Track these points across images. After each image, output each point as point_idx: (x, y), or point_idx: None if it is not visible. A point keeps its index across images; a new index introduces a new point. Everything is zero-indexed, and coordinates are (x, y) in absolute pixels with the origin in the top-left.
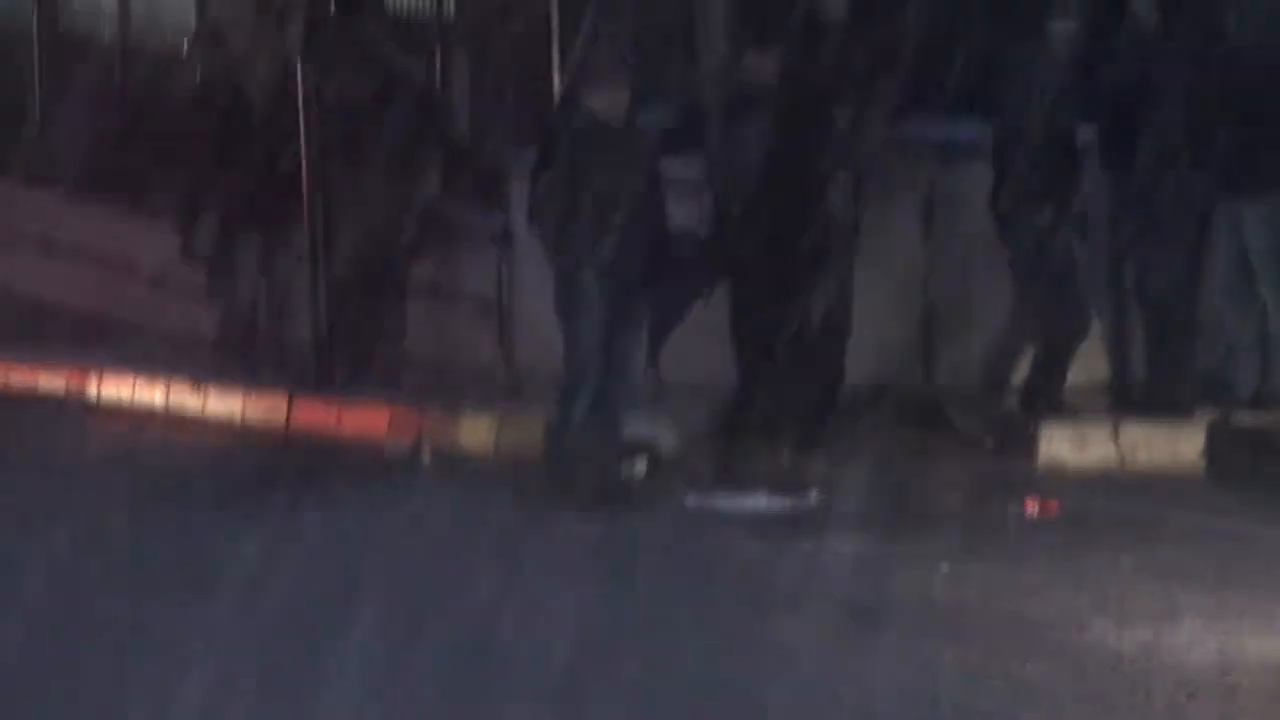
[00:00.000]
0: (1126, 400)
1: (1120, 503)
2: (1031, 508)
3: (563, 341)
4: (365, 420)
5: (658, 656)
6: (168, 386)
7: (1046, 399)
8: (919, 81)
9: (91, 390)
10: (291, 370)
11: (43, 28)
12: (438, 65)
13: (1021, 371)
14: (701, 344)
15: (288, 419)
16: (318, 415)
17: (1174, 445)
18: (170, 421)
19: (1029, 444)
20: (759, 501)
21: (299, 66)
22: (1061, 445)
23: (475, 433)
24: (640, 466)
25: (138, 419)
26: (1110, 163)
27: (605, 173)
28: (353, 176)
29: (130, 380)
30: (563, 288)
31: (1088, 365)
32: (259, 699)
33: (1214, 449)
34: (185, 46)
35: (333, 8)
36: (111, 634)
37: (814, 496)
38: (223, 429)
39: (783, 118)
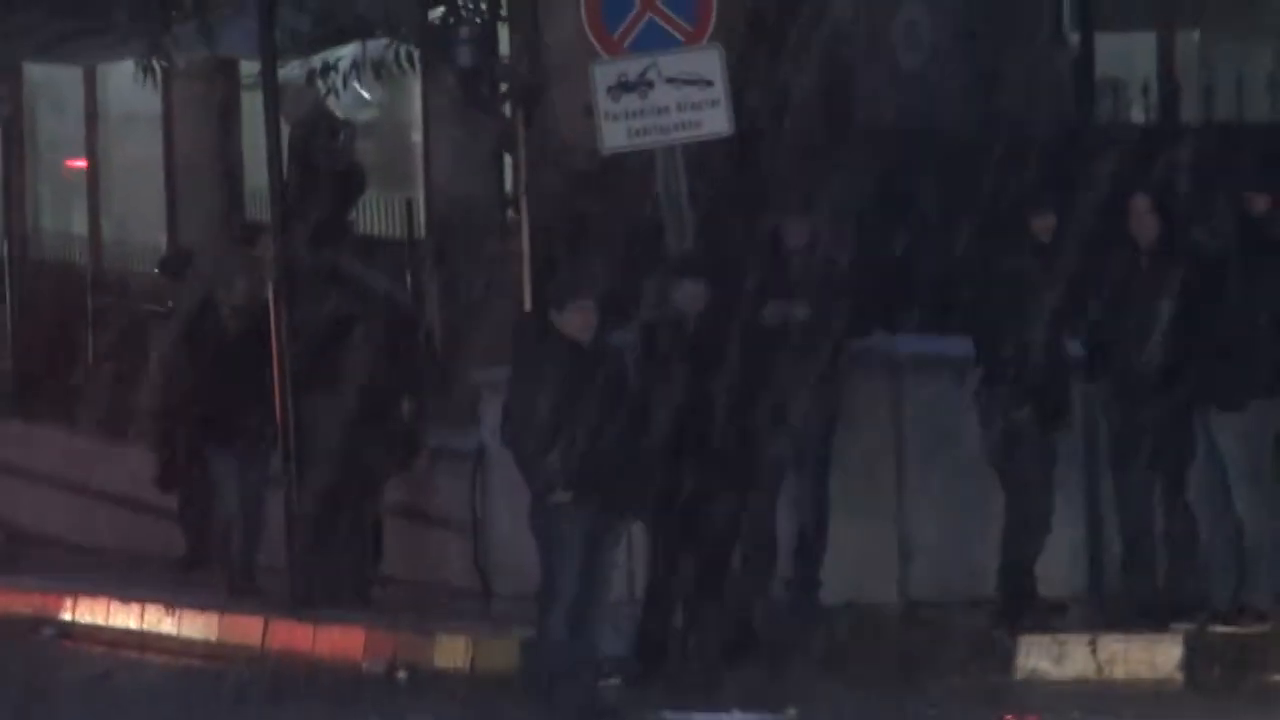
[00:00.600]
0: (1104, 612)
1: (1098, 715)
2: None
3: (540, 561)
4: (340, 640)
5: None
6: (142, 609)
7: (1016, 603)
8: (887, 296)
9: (65, 614)
10: (266, 591)
11: (13, 254)
12: (409, 284)
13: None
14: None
15: (263, 640)
16: (293, 636)
17: (1152, 657)
18: (145, 644)
19: (1006, 657)
20: (734, 717)
21: (271, 289)
22: (1040, 658)
23: (451, 652)
24: (617, 683)
25: (112, 642)
26: (1093, 375)
27: (578, 393)
28: (327, 397)
29: (105, 603)
30: (537, 507)
31: (1066, 577)
32: None
33: (1191, 661)
34: (157, 271)
35: (305, 231)
36: None
37: (791, 713)
38: (197, 650)
39: (748, 339)
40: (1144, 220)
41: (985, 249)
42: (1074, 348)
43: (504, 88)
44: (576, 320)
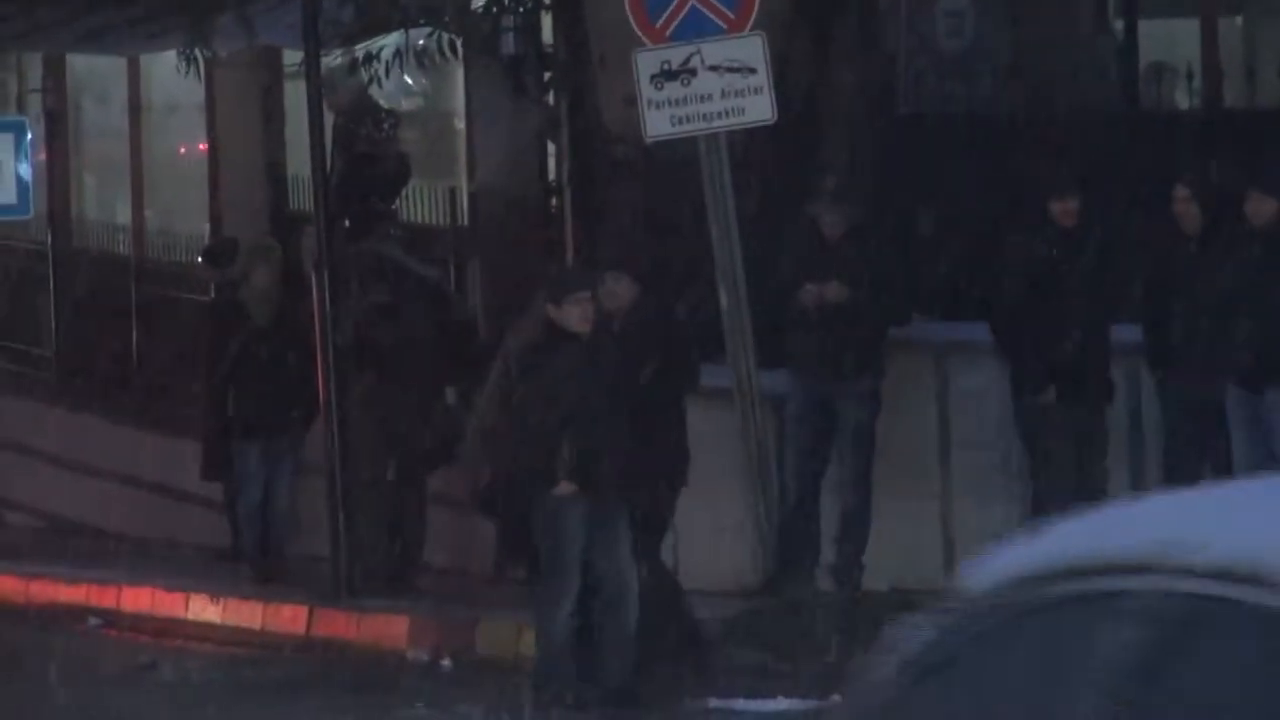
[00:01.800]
0: None
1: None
2: None
3: (544, 555)
4: (384, 628)
5: None
6: (186, 599)
7: None
8: (924, 284)
9: (110, 603)
10: (293, 581)
11: (57, 246)
12: (453, 273)
13: None
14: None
15: (307, 629)
16: (337, 624)
17: None
18: (189, 633)
19: None
20: (779, 704)
21: (315, 277)
22: None
23: (495, 639)
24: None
25: (157, 631)
26: (1153, 359)
27: (580, 386)
28: (372, 385)
29: (149, 593)
30: (540, 501)
31: None
32: None
33: None
34: (200, 261)
35: (348, 219)
36: None
37: (836, 699)
38: (242, 640)
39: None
40: (1187, 208)
41: (1014, 235)
42: (1123, 332)
43: (547, 76)
44: (575, 313)
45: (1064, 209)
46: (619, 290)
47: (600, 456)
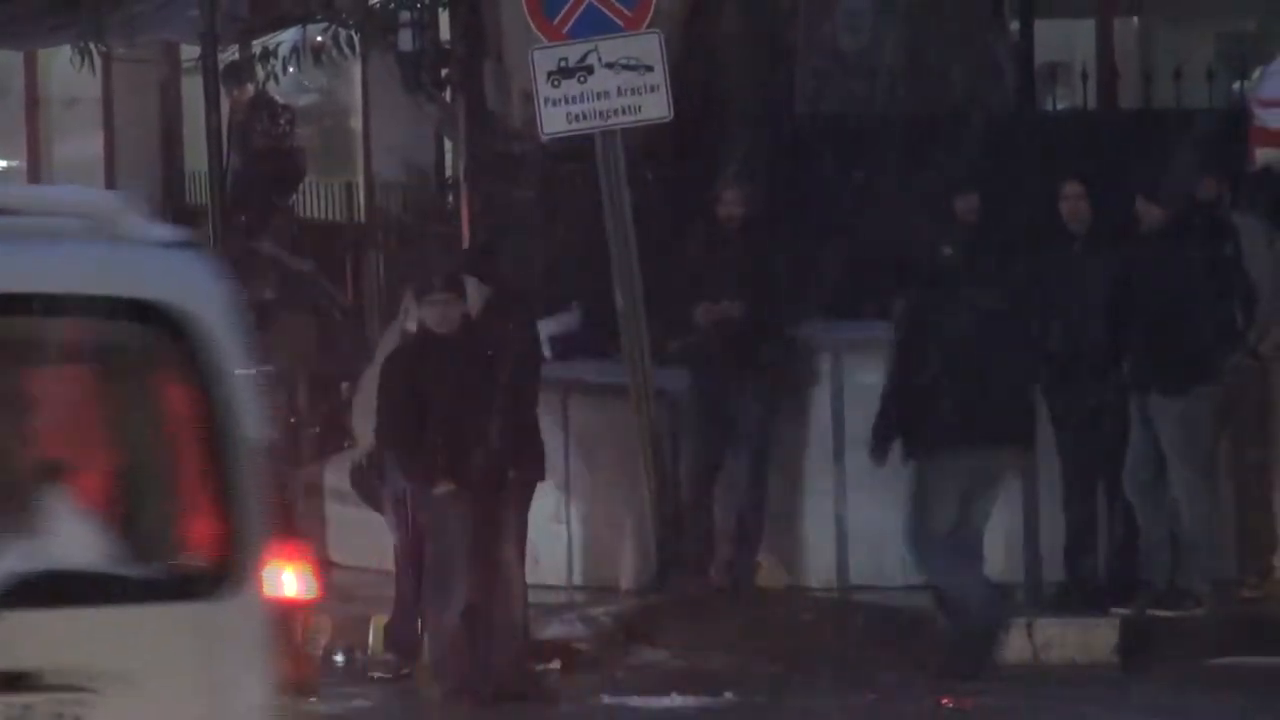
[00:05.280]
0: (1041, 597)
1: (1035, 699)
2: (947, 702)
3: (431, 554)
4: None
5: None
6: None
7: None
8: (819, 281)
9: None
10: None
11: None
12: (349, 269)
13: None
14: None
15: None
16: None
17: (1088, 641)
18: None
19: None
20: (672, 700)
21: None
22: None
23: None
24: (555, 665)
25: None
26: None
27: (446, 385)
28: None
29: None
30: (422, 501)
31: (1003, 562)
32: None
33: (1127, 645)
34: None
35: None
36: None
37: (728, 696)
38: None
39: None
40: (1075, 205)
41: (914, 233)
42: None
43: (444, 72)
44: (432, 314)
45: (966, 206)
46: (471, 293)
47: (471, 454)
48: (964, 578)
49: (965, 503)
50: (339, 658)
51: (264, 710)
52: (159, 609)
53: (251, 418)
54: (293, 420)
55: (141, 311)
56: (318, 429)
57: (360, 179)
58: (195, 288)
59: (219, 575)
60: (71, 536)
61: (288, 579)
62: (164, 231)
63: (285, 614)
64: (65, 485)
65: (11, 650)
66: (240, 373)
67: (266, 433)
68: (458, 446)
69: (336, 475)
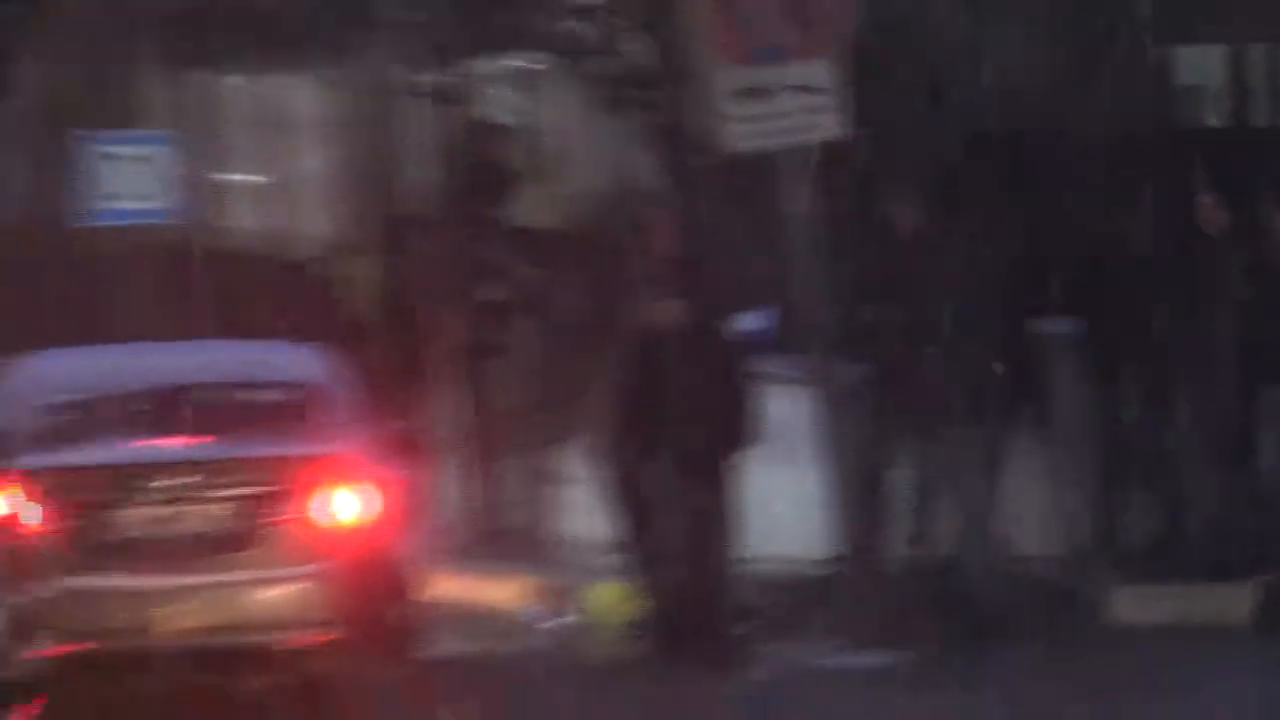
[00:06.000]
0: (1182, 564)
1: (1178, 662)
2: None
3: (650, 526)
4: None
5: None
6: None
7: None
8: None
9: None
10: None
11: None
12: (554, 274)
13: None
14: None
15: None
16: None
17: (1227, 606)
18: None
19: (1091, 606)
20: (867, 658)
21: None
22: (1125, 607)
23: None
24: (752, 627)
25: None
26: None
27: (665, 376)
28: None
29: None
30: (616, 485)
31: (1148, 529)
32: None
33: (1267, 608)
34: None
35: (463, 224)
36: None
37: (920, 651)
38: None
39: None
40: (1212, 214)
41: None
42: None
43: (641, 92)
44: (653, 314)
45: (1210, 210)
46: (679, 296)
47: (687, 436)
48: None
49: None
50: (553, 622)
51: None
52: None
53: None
54: (526, 410)
55: None
56: (549, 417)
57: (563, 190)
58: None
59: None
60: None
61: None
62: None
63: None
64: None
65: None
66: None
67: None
68: (675, 429)
69: (566, 459)
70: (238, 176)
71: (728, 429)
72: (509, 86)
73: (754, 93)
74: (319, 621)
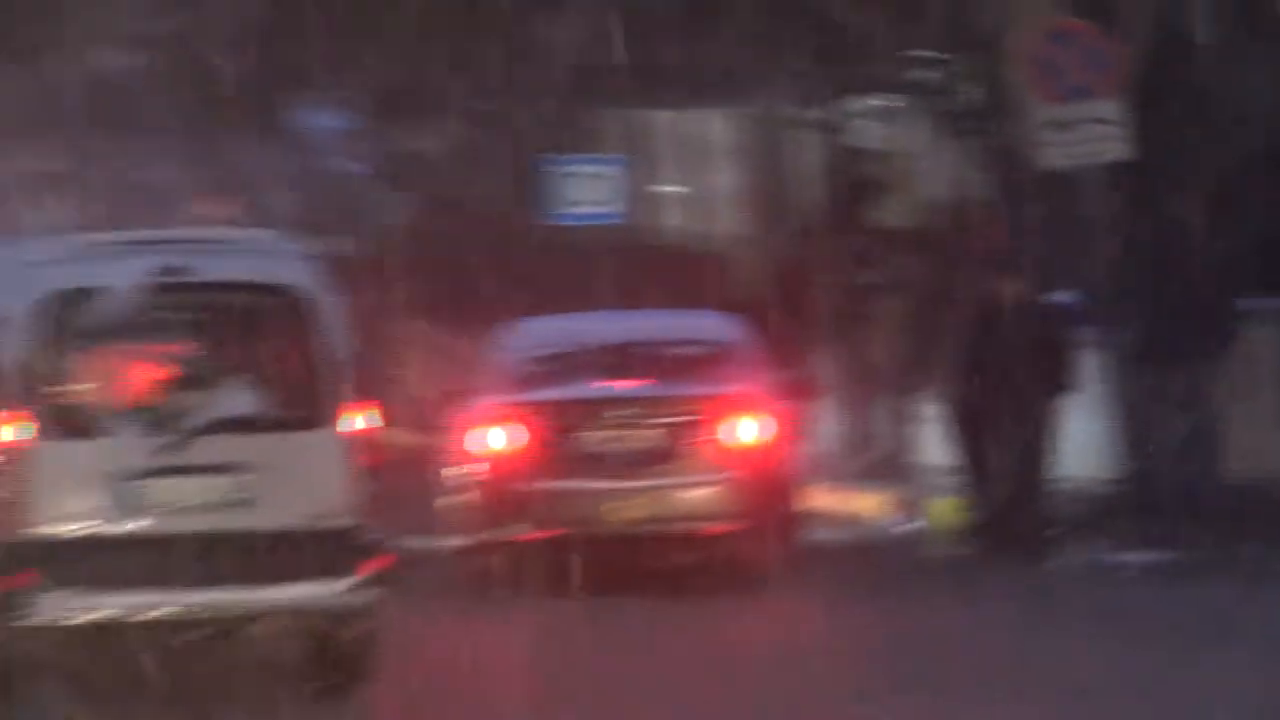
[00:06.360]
0: None
1: None
2: None
3: (960, 456)
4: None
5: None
6: None
7: None
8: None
9: None
10: None
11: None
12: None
13: None
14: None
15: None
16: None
17: None
18: None
19: None
20: (1145, 556)
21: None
22: None
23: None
24: (1058, 532)
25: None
26: None
27: (1001, 335)
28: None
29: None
30: (958, 422)
31: None
32: None
33: None
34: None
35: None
36: None
37: (1187, 551)
38: None
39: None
40: None
41: None
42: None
43: (976, 123)
44: (993, 291)
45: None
46: (1012, 276)
47: (1019, 379)
48: None
49: None
50: (904, 526)
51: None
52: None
53: (336, 339)
54: (890, 364)
55: (281, 288)
56: (907, 369)
57: (916, 198)
58: (302, 274)
59: (315, 417)
60: (243, 398)
61: (357, 420)
62: (291, 246)
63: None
64: (244, 376)
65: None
66: (332, 324)
67: (347, 347)
68: (1007, 379)
69: (920, 401)
70: (668, 188)
71: (1047, 379)
72: (874, 120)
73: (1062, 124)
74: (727, 515)
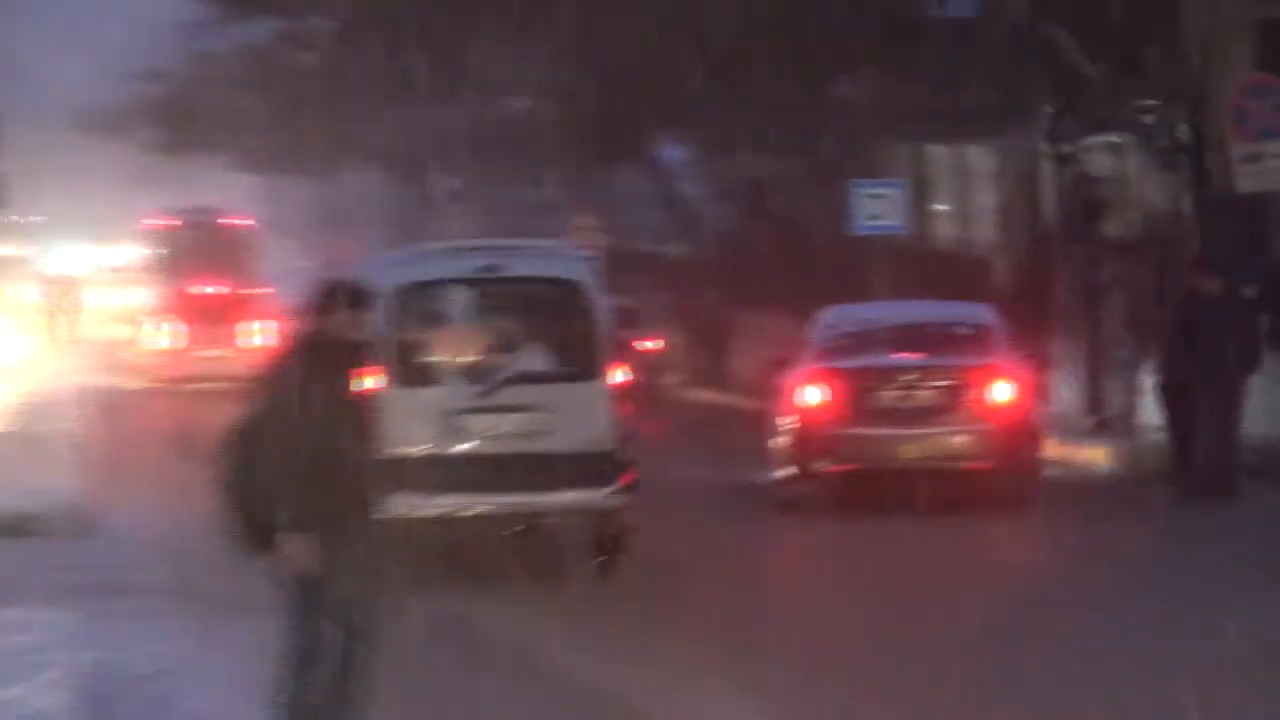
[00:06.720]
0: None
1: None
2: None
3: (1168, 415)
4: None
5: None
6: None
7: None
8: None
9: None
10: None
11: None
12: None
13: None
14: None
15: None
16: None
17: None
18: None
19: None
20: None
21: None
22: None
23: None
24: (1246, 477)
25: None
26: None
27: (1202, 318)
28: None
29: None
30: (1168, 389)
31: None
32: None
33: None
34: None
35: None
36: None
37: None
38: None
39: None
40: None
41: None
42: None
43: (1186, 157)
44: (1198, 285)
45: None
46: (1213, 284)
47: (1215, 355)
48: None
49: None
50: (1119, 470)
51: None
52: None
53: (603, 318)
54: (1113, 343)
55: (568, 282)
56: (1128, 348)
57: (1136, 215)
58: (580, 271)
59: (587, 372)
60: (537, 358)
61: (616, 375)
62: (577, 250)
63: (618, 389)
64: (538, 343)
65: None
66: (600, 308)
67: (609, 325)
68: (1209, 355)
69: (1137, 372)
70: (940, 206)
71: (1242, 354)
72: (1103, 152)
73: (1254, 157)
74: (986, 456)
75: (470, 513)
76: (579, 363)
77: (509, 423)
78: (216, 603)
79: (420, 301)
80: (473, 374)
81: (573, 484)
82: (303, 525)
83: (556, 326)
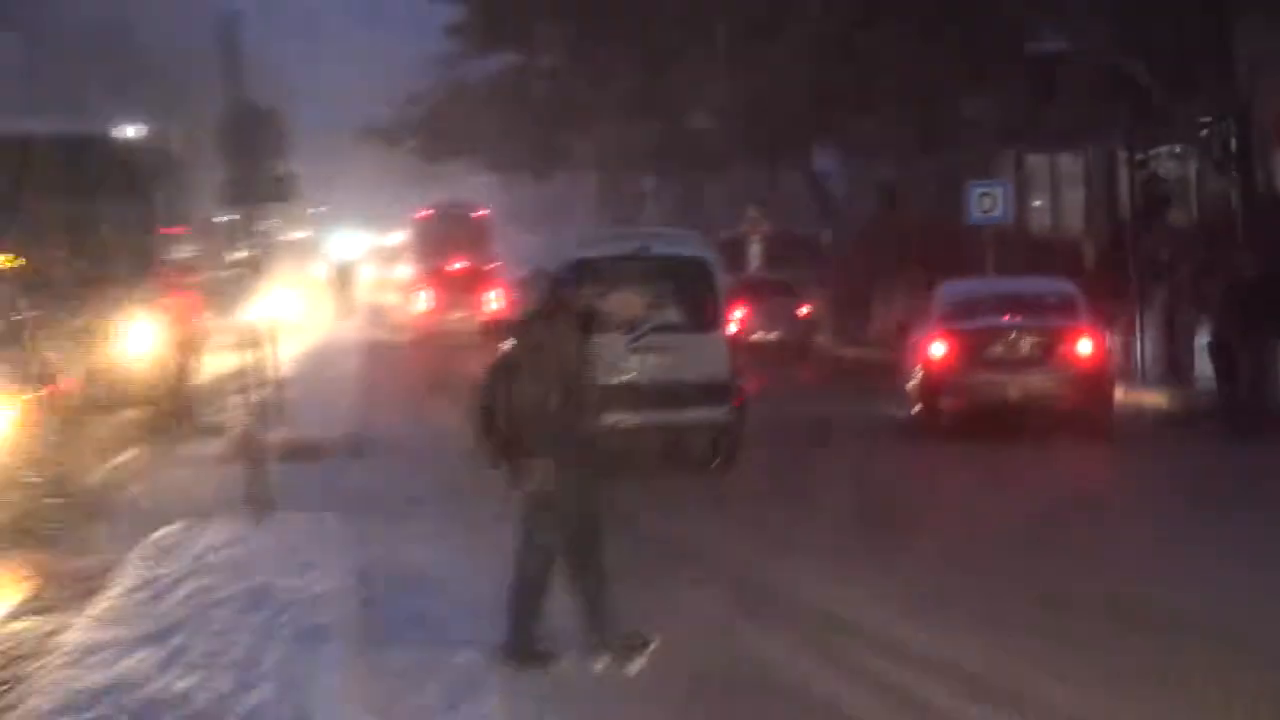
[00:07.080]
0: None
1: None
2: None
3: (1218, 368)
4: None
5: None
6: None
7: None
8: None
9: None
10: None
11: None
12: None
13: None
14: None
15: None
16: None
17: None
18: None
19: None
20: None
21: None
22: None
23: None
24: None
25: None
26: None
27: (1256, 299)
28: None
29: None
30: (1217, 347)
31: None
32: None
33: None
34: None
35: (1147, 227)
36: None
37: None
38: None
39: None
40: None
41: None
42: None
43: (1235, 160)
44: (1243, 268)
45: None
46: (1247, 260)
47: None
48: None
49: None
50: (1177, 409)
51: (723, 359)
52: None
53: (721, 287)
54: (1172, 310)
55: (696, 259)
56: (1184, 313)
57: (1190, 211)
58: (707, 252)
59: (709, 325)
60: (674, 315)
61: (730, 327)
62: (702, 238)
63: (728, 337)
64: (675, 305)
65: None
66: (720, 280)
67: (726, 293)
68: (1253, 322)
69: (1194, 332)
70: (1037, 202)
71: (1275, 322)
72: (1169, 159)
73: None
74: (1073, 397)
75: (626, 426)
76: (703, 319)
77: (653, 360)
78: (463, 511)
79: (593, 272)
80: (628, 326)
81: (698, 404)
82: (545, 451)
83: (687, 292)
